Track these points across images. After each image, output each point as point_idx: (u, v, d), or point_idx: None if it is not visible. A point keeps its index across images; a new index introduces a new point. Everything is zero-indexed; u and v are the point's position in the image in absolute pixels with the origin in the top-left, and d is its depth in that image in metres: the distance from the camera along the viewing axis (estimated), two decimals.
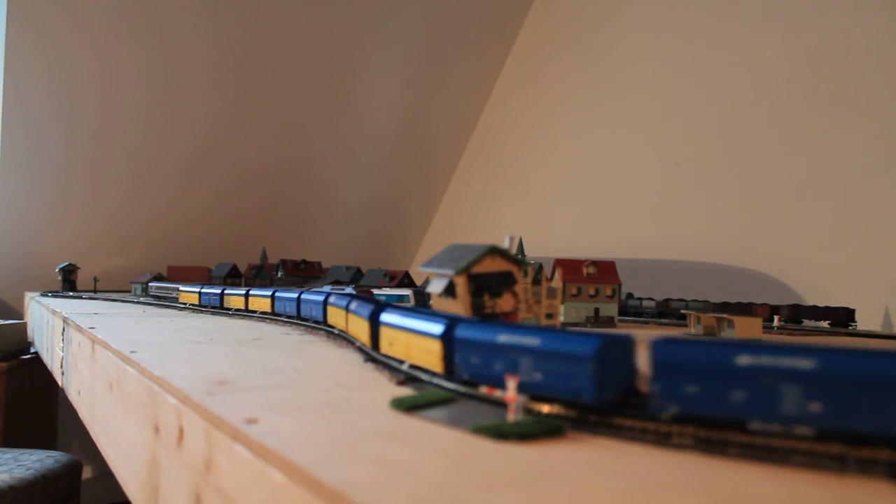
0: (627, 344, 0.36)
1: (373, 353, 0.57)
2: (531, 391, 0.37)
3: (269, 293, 1.02)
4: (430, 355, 0.45)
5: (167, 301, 1.52)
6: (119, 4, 1.94)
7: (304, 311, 0.90)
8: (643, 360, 0.35)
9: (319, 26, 2.26)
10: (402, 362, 0.50)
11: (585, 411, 0.36)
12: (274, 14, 2.17)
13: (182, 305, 1.39)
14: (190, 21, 2.07)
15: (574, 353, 0.34)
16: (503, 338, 0.39)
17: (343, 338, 0.75)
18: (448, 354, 0.44)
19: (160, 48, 2.08)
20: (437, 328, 0.45)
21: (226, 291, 1.17)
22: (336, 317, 0.78)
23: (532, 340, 0.37)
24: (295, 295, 0.93)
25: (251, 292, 1.08)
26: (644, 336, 0.36)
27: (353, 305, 0.67)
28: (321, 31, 2.28)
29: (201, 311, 1.26)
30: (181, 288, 1.34)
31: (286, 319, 0.99)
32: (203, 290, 1.25)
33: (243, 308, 1.10)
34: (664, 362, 0.32)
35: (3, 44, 1.87)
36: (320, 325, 0.85)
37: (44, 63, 1.95)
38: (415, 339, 0.48)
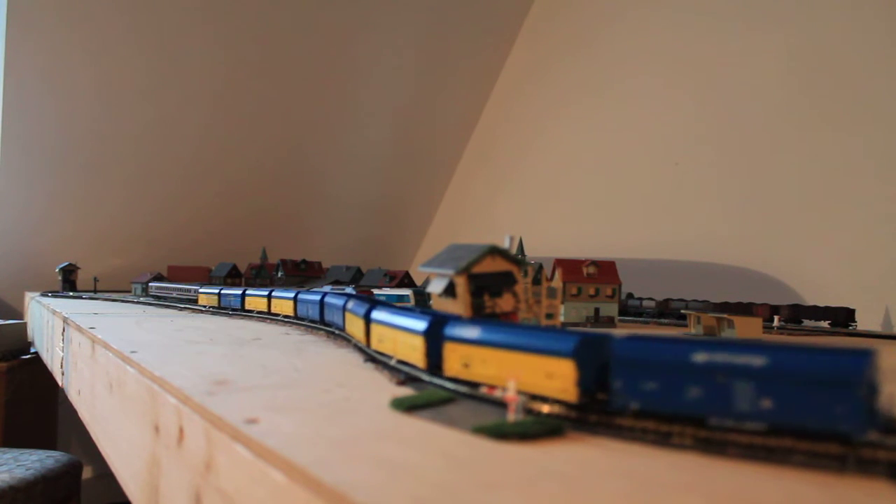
0: (875, 358, 0.29)
1: (427, 377, 0.48)
2: (753, 422, 0.30)
3: (292, 295, 0.97)
4: (551, 379, 0.36)
5: (167, 301, 1.52)
6: (118, 4, 1.94)
7: (328, 315, 0.84)
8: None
9: (319, 26, 2.26)
10: (477, 386, 0.42)
11: (586, 411, 0.35)
12: (274, 14, 2.17)
13: (182, 306, 1.39)
14: (189, 20, 2.07)
15: (831, 375, 0.28)
16: (702, 356, 0.31)
17: (343, 338, 0.75)
18: (587, 378, 0.35)
19: (160, 48, 2.08)
20: (562, 344, 0.36)
21: (247, 293, 1.13)
22: (353, 325, 0.68)
23: (754, 359, 0.30)
24: (318, 297, 0.87)
25: (274, 294, 1.04)
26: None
27: (383, 315, 0.56)
28: (321, 31, 2.28)
29: (201, 312, 1.26)
30: (200, 290, 1.32)
31: (285, 319, 0.99)
32: (223, 292, 1.21)
33: (266, 311, 1.06)
34: None
35: (3, 44, 1.87)
36: (341, 332, 0.78)
37: (44, 63, 1.95)
38: (514, 357, 0.39)
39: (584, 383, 0.35)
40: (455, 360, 0.44)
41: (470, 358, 0.42)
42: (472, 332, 0.42)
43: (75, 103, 2.06)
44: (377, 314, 0.58)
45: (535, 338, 0.38)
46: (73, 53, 1.97)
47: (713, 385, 0.30)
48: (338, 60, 2.36)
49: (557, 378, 0.36)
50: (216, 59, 2.18)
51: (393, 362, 0.54)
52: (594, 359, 0.36)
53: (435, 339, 0.46)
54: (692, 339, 0.32)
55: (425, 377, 0.48)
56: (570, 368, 0.35)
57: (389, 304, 0.61)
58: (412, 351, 0.49)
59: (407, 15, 2.37)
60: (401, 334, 0.52)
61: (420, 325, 0.48)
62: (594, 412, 0.35)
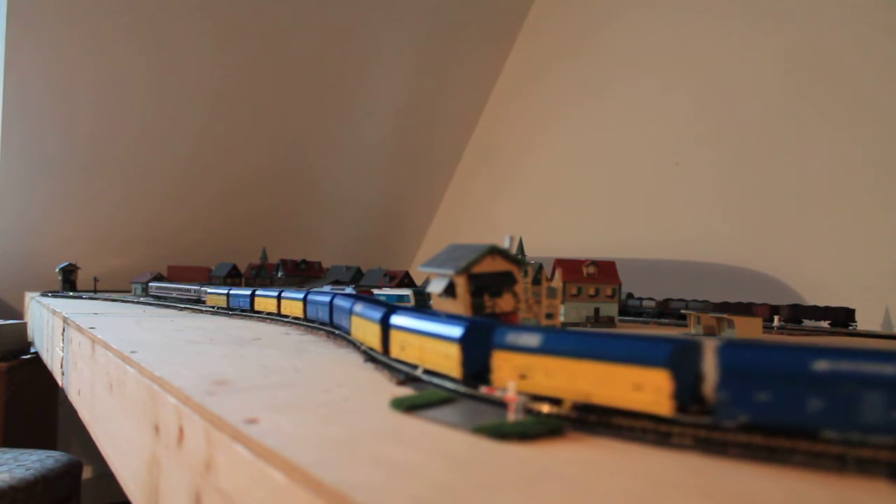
0: None
1: (466, 389, 0.42)
2: (882, 435, 0.27)
3: (302, 296, 0.95)
4: (639, 391, 0.33)
5: (167, 301, 1.52)
6: (119, 5, 1.94)
7: (336, 318, 0.80)
8: None
9: (319, 26, 2.26)
10: (530, 398, 0.38)
11: (585, 411, 0.35)
12: (273, 14, 2.17)
13: (182, 306, 1.39)
14: (189, 20, 2.07)
15: None
16: (825, 365, 0.28)
17: (344, 338, 0.75)
18: (684, 389, 0.32)
19: (160, 48, 2.08)
20: (655, 352, 0.32)
21: (256, 293, 1.11)
22: (364, 330, 0.62)
23: (886, 367, 0.27)
24: (327, 299, 0.84)
25: (283, 294, 1.02)
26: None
27: (406, 320, 0.50)
28: (321, 31, 2.28)
29: (201, 312, 1.26)
30: (208, 290, 1.31)
31: (285, 319, 0.99)
32: (231, 292, 1.20)
33: (275, 311, 1.04)
34: None
35: (3, 43, 1.87)
36: (343, 333, 0.76)
37: (44, 62, 1.95)
38: (590, 367, 0.35)
39: (680, 395, 0.32)
40: (508, 370, 0.39)
41: (529, 368, 0.38)
42: (532, 339, 0.38)
43: (75, 103, 2.06)
44: (399, 319, 0.52)
45: (618, 345, 0.34)
46: (73, 53, 1.97)
47: (837, 395, 0.28)
48: (338, 60, 2.36)
49: (648, 390, 0.32)
50: (216, 59, 2.18)
51: (419, 372, 0.48)
52: (689, 367, 0.32)
53: (473, 347, 0.42)
54: (810, 346, 0.30)
55: (462, 389, 0.43)
56: (664, 379, 0.32)
57: (410, 308, 0.57)
58: (445, 360, 0.44)
59: (407, 15, 2.37)
60: (429, 341, 0.46)
61: (455, 331, 0.43)
62: (694, 427, 0.32)
